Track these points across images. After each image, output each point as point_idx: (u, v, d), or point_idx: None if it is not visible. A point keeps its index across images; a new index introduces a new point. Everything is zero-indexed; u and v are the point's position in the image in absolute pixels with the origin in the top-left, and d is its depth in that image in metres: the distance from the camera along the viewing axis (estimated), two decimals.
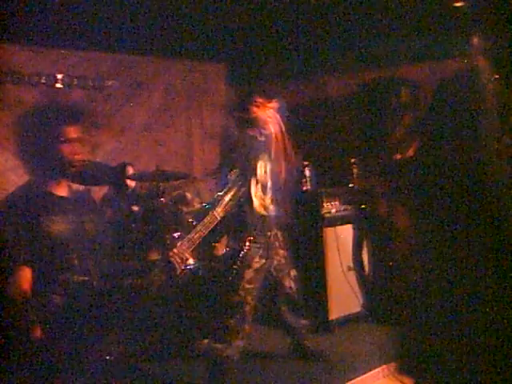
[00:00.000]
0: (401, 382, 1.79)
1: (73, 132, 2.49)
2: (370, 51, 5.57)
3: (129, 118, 5.74)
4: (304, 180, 4.85)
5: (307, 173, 4.87)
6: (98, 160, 4.89)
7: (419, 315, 1.72)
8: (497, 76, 1.68)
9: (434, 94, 1.82)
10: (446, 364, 1.59)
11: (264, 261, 3.76)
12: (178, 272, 4.03)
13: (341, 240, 4.74)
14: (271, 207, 3.84)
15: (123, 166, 4.63)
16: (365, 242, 4.93)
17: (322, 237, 4.64)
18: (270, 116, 3.77)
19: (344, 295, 4.71)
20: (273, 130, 3.80)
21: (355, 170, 5.00)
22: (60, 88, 5.20)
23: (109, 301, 2.59)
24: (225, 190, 3.84)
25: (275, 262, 3.85)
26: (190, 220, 4.15)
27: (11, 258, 2.34)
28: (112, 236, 2.88)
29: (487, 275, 1.58)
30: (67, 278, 2.42)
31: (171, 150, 6.05)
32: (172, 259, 4.01)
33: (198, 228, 3.96)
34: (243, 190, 3.75)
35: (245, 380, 3.75)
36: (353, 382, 3.68)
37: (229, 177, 3.81)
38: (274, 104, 3.86)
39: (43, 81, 5.11)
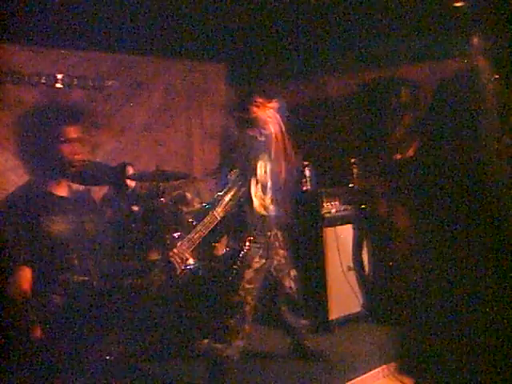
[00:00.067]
0: (401, 381, 1.79)
1: (72, 132, 2.49)
2: (371, 51, 5.57)
3: (129, 118, 5.74)
4: (304, 180, 4.85)
5: (307, 173, 4.87)
6: (98, 160, 4.89)
7: (419, 315, 1.72)
8: (497, 76, 1.68)
9: (434, 94, 1.82)
10: (445, 364, 1.59)
11: (264, 261, 3.76)
12: (178, 272, 4.03)
13: (341, 240, 4.74)
14: (271, 207, 3.84)
15: (123, 166, 4.63)
16: (365, 242, 4.94)
17: (321, 237, 4.63)
18: (269, 116, 3.77)
19: (344, 295, 4.71)
20: (273, 130, 3.80)
21: (355, 170, 5.01)
22: (60, 88, 5.19)
23: (109, 301, 2.59)
24: (225, 190, 3.84)
25: (275, 262, 3.85)
26: (190, 220, 4.15)
27: (11, 258, 2.34)
28: (112, 236, 2.88)
29: (487, 275, 1.58)
30: (67, 278, 2.41)
31: (171, 149, 6.05)
32: (172, 259, 4.01)
33: (198, 228, 3.96)
34: (243, 190, 3.75)
35: (245, 380, 3.74)
36: (353, 382, 3.68)
37: (229, 177, 3.81)
38: (274, 104, 3.86)
39: (43, 81, 5.11)
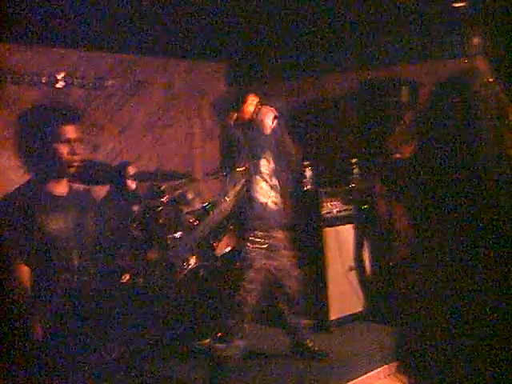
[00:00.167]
0: (401, 381, 1.78)
1: (72, 132, 2.48)
2: (371, 51, 5.57)
3: (129, 117, 5.74)
4: (305, 180, 4.85)
5: (308, 173, 4.87)
6: (98, 159, 4.89)
7: (419, 315, 1.71)
8: (496, 76, 1.68)
9: (434, 94, 1.82)
10: (446, 364, 1.59)
11: (265, 261, 3.76)
12: (179, 272, 4.04)
13: (342, 240, 4.74)
14: (274, 207, 3.84)
15: (124, 166, 4.62)
16: (366, 242, 4.95)
17: (322, 237, 4.63)
18: (269, 116, 3.77)
19: (345, 295, 4.71)
20: (273, 131, 3.80)
21: (356, 170, 5.01)
22: (60, 87, 5.19)
23: (109, 300, 2.58)
24: (226, 189, 3.84)
25: (276, 262, 3.85)
26: (191, 220, 4.15)
27: (11, 258, 2.33)
28: (112, 236, 2.87)
29: (487, 275, 1.58)
30: (67, 278, 2.41)
31: (172, 149, 6.05)
32: (173, 259, 4.01)
33: (199, 228, 3.97)
34: (244, 190, 3.75)
35: (245, 380, 3.74)
36: (354, 382, 3.67)
37: (230, 177, 3.81)
38: (274, 104, 3.85)
39: (43, 80, 5.11)
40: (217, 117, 4.07)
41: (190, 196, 4.37)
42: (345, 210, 4.82)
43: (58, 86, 5.15)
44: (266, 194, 3.80)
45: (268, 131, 3.78)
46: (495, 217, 1.60)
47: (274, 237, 3.84)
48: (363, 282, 4.87)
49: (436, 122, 1.75)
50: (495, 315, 1.53)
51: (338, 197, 4.82)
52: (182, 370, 3.90)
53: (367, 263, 4.91)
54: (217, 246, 4.38)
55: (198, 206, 4.30)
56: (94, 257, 2.53)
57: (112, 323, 2.59)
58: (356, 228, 4.86)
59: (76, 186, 2.62)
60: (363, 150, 5.17)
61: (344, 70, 5.72)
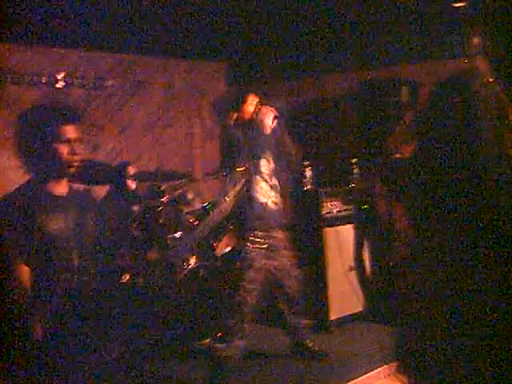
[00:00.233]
0: (401, 381, 1.79)
1: (72, 132, 2.48)
2: (371, 51, 5.57)
3: (129, 117, 5.74)
4: (305, 180, 4.85)
5: (308, 173, 4.87)
6: (98, 159, 4.89)
7: (419, 315, 1.71)
8: (496, 76, 1.68)
9: (434, 94, 1.82)
10: (446, 364, 1.59)
11: (265, 261, 3.76)
12: (179, 272, 4.04)
13: (342, 240, 4.74)
14: (274, 207, 3.84)
15: (124, 166, 4.62)
16: (366, 242, 4.95)
17: (323, 237, 4.63)
18: (269, 116, 3.77)
19: (345, 295, 4.71)
20: (273, 131, 3.80)
21: (356, 170, 5.01)
22: (60, 87, 5.19)
23: (109, 300, 2.58)
24: (226, 189, 3.84)
25: (276, 262, 3.84)
26: (191, 220, 4.15)
27: (11, 258, 2.33)
28: (112, 236, 2.87)
29: (487, 275, 1.58)
30: (67, 278, 2.41)
31: (172, 149, 6.05)
32: (173, 259, 4.01)
33: (199, 228, 3.96)
34: (245, 190, 3.75)
35: (245, 380, 3.74)
36: (354, 382, 3.67)
37: (230, 177, 3.81)
38: (274, 103, 3.85)
39: (43, 80, 5.11)
40: (217, 117, 4.07)
41: (189, 196, 4.37)
42: (345, 210, 4.82)
43: (58, 85, 5.15)
44: (266, 194, 3.80)
45: (268, 131, 3.78)
46: (495, 217, 1.60)
47: (273, 237, 3.83)
48: (363, 281, 4.87)
49: (436, 122, 1.75)
50: (495, 315, 1.54)
51: (338, 197, 4.81)
52: (182, 370, 3.90)
53: (367, 263, 4.91)
54: (217, 246, 4.38)
55: (197, 206, 4.30)
56: (93, 257, 2.53)
57: (112, 323, 2.59)
58: (356, 228, 4.86)
59: (76, 185, 2.62)
60: (363, 149, 5.17)
61: (344, 70, 5.72)
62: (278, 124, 3.79)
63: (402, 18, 5.06)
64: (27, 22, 4.42)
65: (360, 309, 4.82)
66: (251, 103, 3.81)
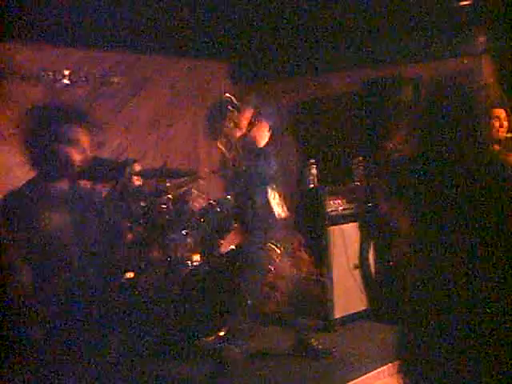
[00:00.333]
0: (403, 380, 1.79)
1: (79, 133, 2.47)
2: (375, 50, 5.57)
3: (134, 115, 5.75)
4: (311, 178, 4.84)
5: (313, 171, 4.86)
6: (103, 157, 4.90)
7: (420, 315, 1.71)
8: (497, 77, 1.68)
9: (435, 94, 1.82)
10: (446, 364, 1.59)
11: (269, 260, 3.75)
12: (183, 269, 4.04)
13: (347, 238, 4.73)
14: (277, 207, 3.83)
15: (129, 163, 4.63)
16: (371, 241, 4.94)
17: (327, 235, 4.63)
18: (264, 131, 3.74)
19: (349, 293, 4.71)
20: (266, 140, 3.76)
21: (360, 169, 5.00)
22: (65, 85, 5.20)
23: (110, 300, 2.58)
24: (230, 187, 3.84)
25: (280, 262, 3.84)
26: (196, 217, 4.15)
27: (11, 257, 2.33)
28: (116, 234, 2.87)
29: (488, 274, 1.58)
30: (67, 278, 2.41)
31: (177, 146, 6.06)
32: (177, 256, 4.01)
33: (204, 225, 3.96)
34: (248, 188, 3.75)
35: (247, 379, 3.74)
36: (358, 380, 3.67)
37: (234, 175, 3.81)
38: (261, 114, 3.80)
39: (48, 78, 5.12)
40: (210, 134, 3.99)
41: (194, 193, 4.37)
42: (349, 208, 4.82)
43: (63, 82, 5.16)
44: (270, 194, 3.80)
45: (263, 144, 3.76)
46: (495, 215, 1.61)
47: (277, 236, 3.83)
48: (367, 280, 4.86)
49: (437, 122, 1.75)
50: (496, 315, 1.53)
51: (342, 195, 4.81)
52: (185, 370, 3.89)
53: (372, 261, 4.90)
54: (221, 244, 4.38)
55: (202, 203, 4.30)
56: (96, 255, 2.53)
57: (113, 322, 2.59)
58: (360, 226, 4.86)
59: (81, 184, 2.62)
60: (366, 148, 5.16)
61: (347, 69, 5.72)
62: (271, 131, 3.75)
63: (405, 17, 5.05)
64: (32, 20, 4.43)
65: (365, 307, 4.82)
66: (247, 117, 3.77)
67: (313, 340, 4.05)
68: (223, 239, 4.37)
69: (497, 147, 1.75)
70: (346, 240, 4.72)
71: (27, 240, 2.35)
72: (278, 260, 3.74)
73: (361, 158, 5.01)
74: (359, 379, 3.68)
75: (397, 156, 1.99)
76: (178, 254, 4.04)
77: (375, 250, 4.89)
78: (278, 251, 3.73)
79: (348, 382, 3.63)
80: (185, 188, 4.50)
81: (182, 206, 4.27)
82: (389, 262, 4.61)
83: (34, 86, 5.03)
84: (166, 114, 6.03)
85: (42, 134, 2.42)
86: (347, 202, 4.83)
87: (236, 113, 3.72)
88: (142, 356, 3.66)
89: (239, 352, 3.61)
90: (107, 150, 5.42)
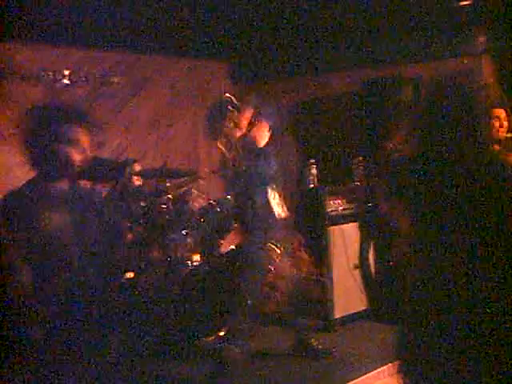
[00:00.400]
0: (403, 380, 1.78)
1: (79, 133, 2.47)
2: (373, 50, 5.57)
3: (134, 115, 5.75)
4: (311, 178, 4.84)
5: (313, 171, 4.86)
6: (103, 157, 4.90)
7: (420, 315, 1.71)
8: (497, 77, 1.69)
9: (435, 94, 1.82)
10: (446, 364, 1.59)
11: (269, 260, 3.75)
12: (183, 269, 4.04)
13: (347, 238, 4.73)
14: (277, 207, 3.83)
15: (129, 163, 4.63)
16: (371, 241, 4.94)
17: (327, 235, 4.63)
18: (264, 131, 3.74)
19: (349, 293, 4.71)
20: (266, 140, 3.77)
21: (360, 169, 5.00)
22: (65, 85, 5.20)
23: (110, 300, 2.58)
24: (230, 187, 3.84)
25: (280, 262, 3.84)
26: (196, 217, 4.15)
27: (11, 257, 2.33)
28: (116, 234, 2.87)
29: (488, 274, 1.58)
30: (67, 278, 2.41)
31: (177, 147, 6.06)
32: (177, 256, 4.01)
33: (204, 225, 3.96)
34: (248, 188, 3.75)
35: (247, 379, 3.74)
36: (358, 380, 3.67)
37: (234, 175, 3.81)
38: (261, 114, 3.80)
39: (49, 78, 5.12)
40: (210, 134, 3.98)
41: (194, 193, 4.37)
42: (349, 208, 4.82)
43: (63, 82, 5.17)
44: (270, 194, 3.80)
45: (263, 144, 3.76)
46: (495, 215, 1.60)
47: (277, 236, 3.83)
48: (368, 280, 4.86)
49: (437, 122, 1.75)
50: (496, 315, 1.53)
51: (342, 195, 4.81)
52: (185, 370, 3.89)
53: (372, 261, 4.90)
54: (221, 244, 4.38)
55: (202, 203, 4.30)
56: (96, 255, 2.53)
57: (114, 322, 2.59)
58: (360, 226, 4.86)
59: (81, 184, 2.62)
60: (366, 148, 5.17)
61: (347, 69, 5.72)
62: (274, 135, 3.76)
63: (405, 17, 5.05)
64: (32, 21, 4.43)
65: (365, 307, 4.82)
66: (247, 117, 3.77)
67: (313, 340, 4.05)
68: (223, 239, 4.37)
69: (497, 147, 1.76)
70: (346, 240, 4.72)
71: (27, 240, 2.34)
72: (278, 260, 3.74)
73: (361, 158, 5.01)
74: (359, 379, 3.68)
75: (397, 156, 1.99)
76: (178, 254, 4.04)
77: (375, 250, 4.89)
78: (278, 251, 3.73)
79: (348, 382, 3.63)
80: (185, 188, 4.50)
81: (182, 205, 4.27)
82: (389, 262, 4.61)
83: (34, 86, 5.04)
84: (166, 114, 6.03)
85: (42, 134, 2.42)
86: (347, 202, 4.83)
87: (236, 113, 3.72)
88: (142, 356, 3.66)
89: (239, 352, 3.61)
90: (107, 149, 5.42)
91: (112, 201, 3.79)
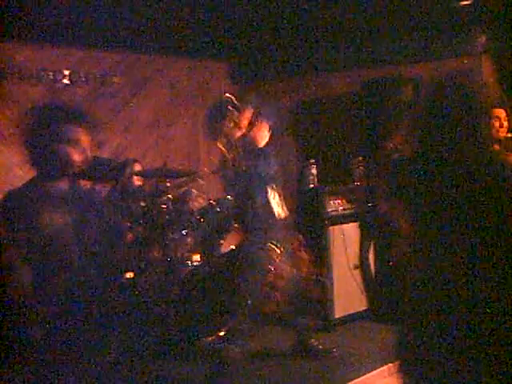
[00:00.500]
0: (403, 380, 1.78)
1: (79, 133, 2.47)
2: (373, 50, 5.57)
3: (134, 115, 5.75)
4: (311, 178, 4.84)
5: (313, 171, 4.86)
6: (103, 157, 4.90)
7: (420, 315, 1.71)
8: (497, 77, 1.69)
9: (435, 94, 1.82)
10: (446, 364, 1.59)
11: (269, 260, 3.75)
12: (183, 269, 4.04)
13: (347, 238, 4.74)
14: (278, 208, 3.83)
15: (129, 163, 4.63)
16: (371, 241, 4.94)
17: (327, 235, 4.63)
18: (264, 131, 3.74)
19: (349, 293, 4.71)
20: (266, 140, 3.77)
21: (361, 169, 5.00)
22: (65, 85, 5.21)
23: (110, 300, 2.58)
24: (230, 187, 3.84)
25: (280, 263, 3.84)
26: (196, 217, 4.15)
27: (11, 257, 2.33)
28: (116, 234, 2.87)
29: (488, 274, 1.58)
30: (67, 278, 2.41)
31: (177, 146, 6.06)
32: (177, 256, 4.01)
33: (204, 225, 3.96)
34: (248, 188, 3.75)
35: (247, 379, 3.74)
36: (358, 380, 3.67)
37: (234, 175, 3.81)
38: (261, 114, 3.80)
39: (48, 78, 5.12)
40: (210, 134, 3.98)
41: (194, 193, 4.37)
42: (349, 208, 4.82)
43: (63, 82, 5.17)
44: (270, 194, 3.79)
45: (263, 144, 3.76)
46: (495, 215, 1.61)
47: (278, 236, 3.83)
48: (368, 280, 4.86)
49: (437, 122, 1.75)
50: (496, 315, 1.53)
51: (342, 195, 4.81)
52: (185, 370, 3.89)
53: (372, 261, 4.90)
54: (221, 244, 4.38)
55: (202, 203, 4.30)
56: (96, 255, 2.53)
57: (114, 322, 2.59)
58: (360, 226, 4.86)
59: (81, 184, 2.62)
60: (366, 148, 5.17)
61: (347, 69, 5.72)
62: (274, 135, 3.75)
63: (405, 17, 5.05)
64: (32, 21, 4.43)
65: (365, 307, 4.82)
66: (247, 117, 3.76)
67: (313, 340, 4.05)
68: (223, 239, 4.37)
69: (497, 147, 1.75)
70: (346, 240, 4.72)
71: (27, 240, 2.34)
72: (278, 260, 3.74)
73: (361, 158, 5.00)
74: (359, 379, 3.68)
75: (397, 156, 1.99)
76: (178, 254, 4.04)
77: (375, 250, 4.89)
78: (278, 251, 3.73)
79: (348, 382, 3.63)
80: (185, 188, 4.50)
81: (182, 205, 4.27)
82: (389, 261, 4.62)
83: (33, 86, 5.04)
84: (165, 114, 6.03)
85: (42, 134, 2.42)
86: (347, 202, 4.83)
87: (236, 113, 3.72)
88: (142, 356, 3.66)
89: (239, 352, 3.61)
90: (107, 150, 5.42)
91: (112, 201, 3.79)
